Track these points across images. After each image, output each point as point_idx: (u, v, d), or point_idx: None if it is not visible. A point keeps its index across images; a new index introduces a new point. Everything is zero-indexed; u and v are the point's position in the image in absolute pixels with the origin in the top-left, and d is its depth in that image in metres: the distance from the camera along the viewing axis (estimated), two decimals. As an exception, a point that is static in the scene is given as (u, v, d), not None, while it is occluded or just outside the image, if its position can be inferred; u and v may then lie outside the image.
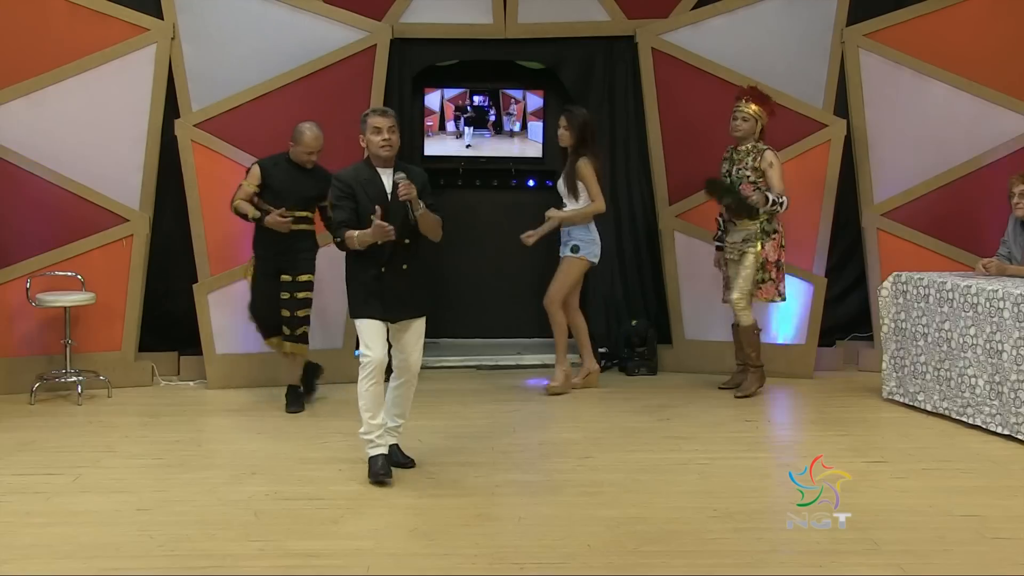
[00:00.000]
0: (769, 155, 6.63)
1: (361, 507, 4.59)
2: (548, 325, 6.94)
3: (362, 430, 4.95)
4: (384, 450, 4.98)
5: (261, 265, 6.41)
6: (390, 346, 4.97)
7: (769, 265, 6.67)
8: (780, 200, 6.54)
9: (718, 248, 6.96)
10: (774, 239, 6.67)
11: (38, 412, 6.42)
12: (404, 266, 4.90)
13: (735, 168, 6.69)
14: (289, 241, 6.32)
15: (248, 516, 4.45)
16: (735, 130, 6.67)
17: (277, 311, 6.38)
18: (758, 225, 6.63)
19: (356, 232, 4.78)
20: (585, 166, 6.68)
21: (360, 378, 4.87)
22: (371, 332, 4.88)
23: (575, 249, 6.75)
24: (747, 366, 6.82)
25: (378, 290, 4.87)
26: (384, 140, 4.89)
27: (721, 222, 6.91)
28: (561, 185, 6.81)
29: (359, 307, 4.93)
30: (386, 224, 4.70)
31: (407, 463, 5.17)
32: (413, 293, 4.95)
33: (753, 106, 6.64)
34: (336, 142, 6.46)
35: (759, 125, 6.66)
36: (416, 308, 4.99)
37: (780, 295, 6.76)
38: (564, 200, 6.78)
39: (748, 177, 6.62)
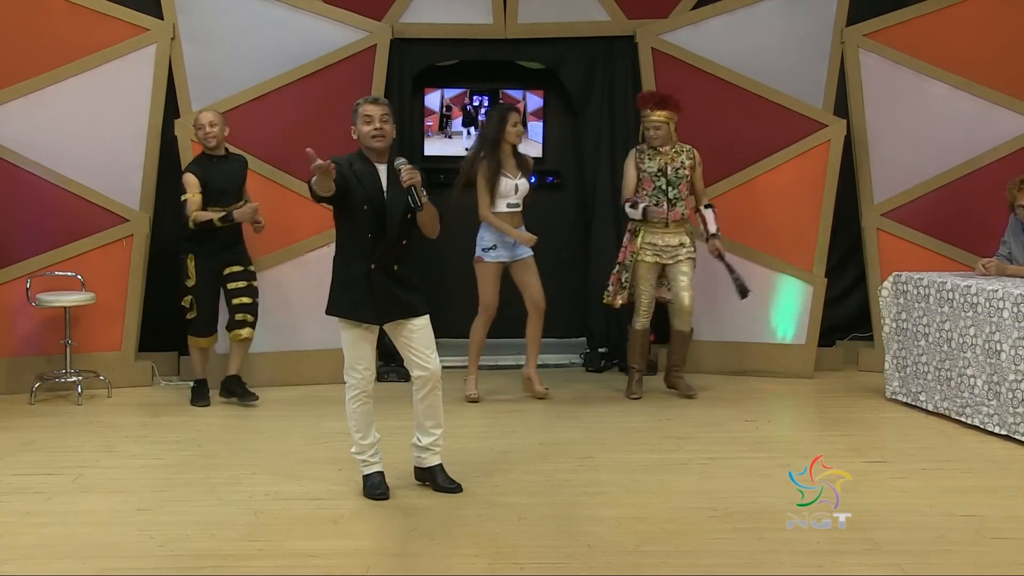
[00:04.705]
0: (697, 154, 6.71)
1: (361, 507, 4.59)
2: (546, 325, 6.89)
3: (353, 450, 4.74)
4: (379, 467, 4.72)
5: (205, 262, 6.46)
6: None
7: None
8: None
9: (632, 206, 6.57)
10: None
11: (38, 412, 6.42)
12: (395, 267, 4.56)
13: (670, 167, 6.59)
14: (235, 235, 6.56)
15: (248, 516, 4.45)
16: (654, 140, 6.60)
17: (218, 306, 6.61)
18: (687, 228, 6.67)
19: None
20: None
21: (346, 399, 4.66)
22: (356, 349, 4.61)
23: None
24: (677, 369, 6.81)
25: (367, 290, 4.52)
26: (376, 130, 4.51)
27: (644, 205, 6.57)
28: (523, 183, 6.61)
29: (346, 307, 4.58)
30: (323, 161, 4.24)
31: (453, 488, 4.74)
32: (408, 293, 4.60)
33: (659, 112, 6.57)
34: (336, 142, 6.37)
35: (672, 126, 6.62)
36: (411, 307, 4.60)
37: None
38: (516, 197, 6.56)
39: (687, 176, 6.63)
